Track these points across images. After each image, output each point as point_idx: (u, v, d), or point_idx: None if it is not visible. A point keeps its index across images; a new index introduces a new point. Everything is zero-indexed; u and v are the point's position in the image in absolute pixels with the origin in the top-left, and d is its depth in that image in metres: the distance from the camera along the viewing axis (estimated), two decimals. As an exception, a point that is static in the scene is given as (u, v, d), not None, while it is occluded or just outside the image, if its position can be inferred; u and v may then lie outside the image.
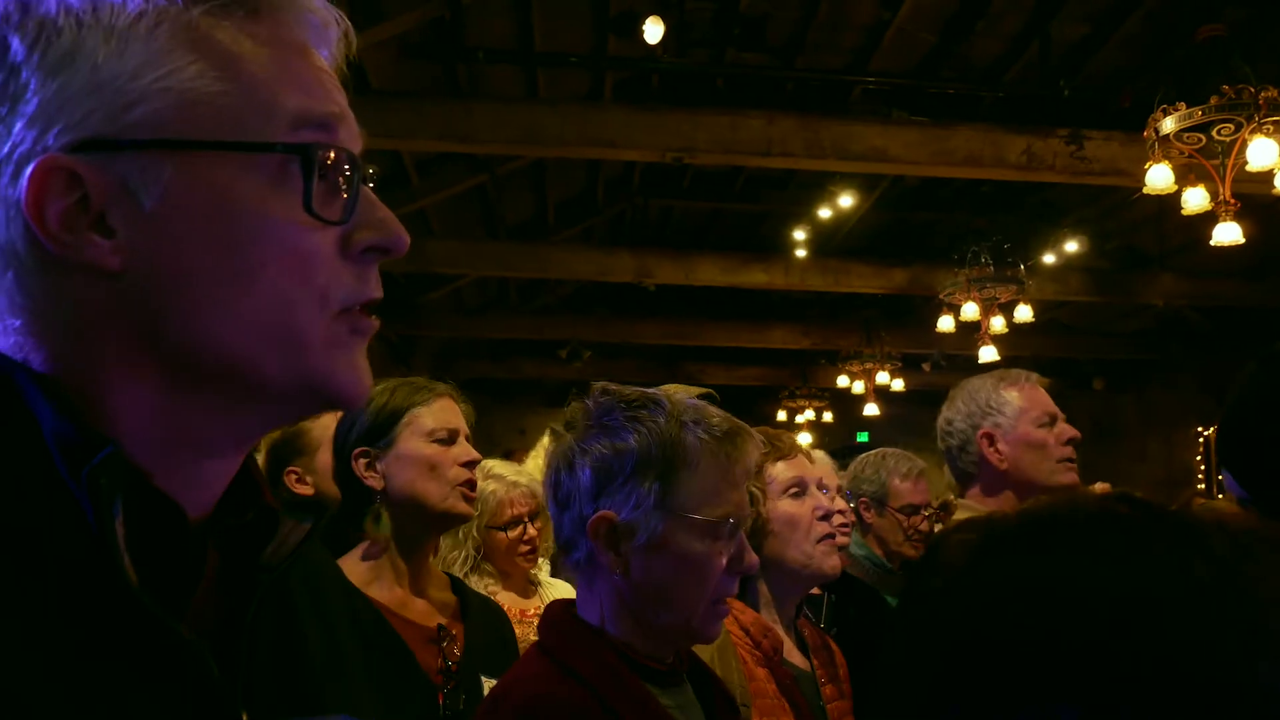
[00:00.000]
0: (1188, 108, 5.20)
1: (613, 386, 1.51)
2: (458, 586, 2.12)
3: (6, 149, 0.67)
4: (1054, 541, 0.63)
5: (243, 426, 0.76)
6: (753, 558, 1.50)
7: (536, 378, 15.32)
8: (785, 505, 2.09)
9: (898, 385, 12.25)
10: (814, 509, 2.11)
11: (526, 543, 2.77)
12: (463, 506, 2.02)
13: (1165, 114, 5.26)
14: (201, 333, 0.70)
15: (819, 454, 2.26)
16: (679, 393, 2.91)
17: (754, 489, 2.04)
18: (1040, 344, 12.97)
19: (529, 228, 11.13)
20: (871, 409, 12.59)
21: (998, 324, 8.92)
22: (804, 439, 14.90)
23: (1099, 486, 7.24)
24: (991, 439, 2.47)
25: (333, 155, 0.72)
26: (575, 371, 14.08)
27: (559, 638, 1.44)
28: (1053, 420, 2.51)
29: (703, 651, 1.85)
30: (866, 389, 12.36)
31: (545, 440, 3.55)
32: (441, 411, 2.05)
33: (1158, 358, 13.35)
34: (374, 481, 1.97)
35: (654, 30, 6.44)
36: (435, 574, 2.11)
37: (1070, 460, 2.51)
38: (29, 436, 0.66)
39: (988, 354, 8.84)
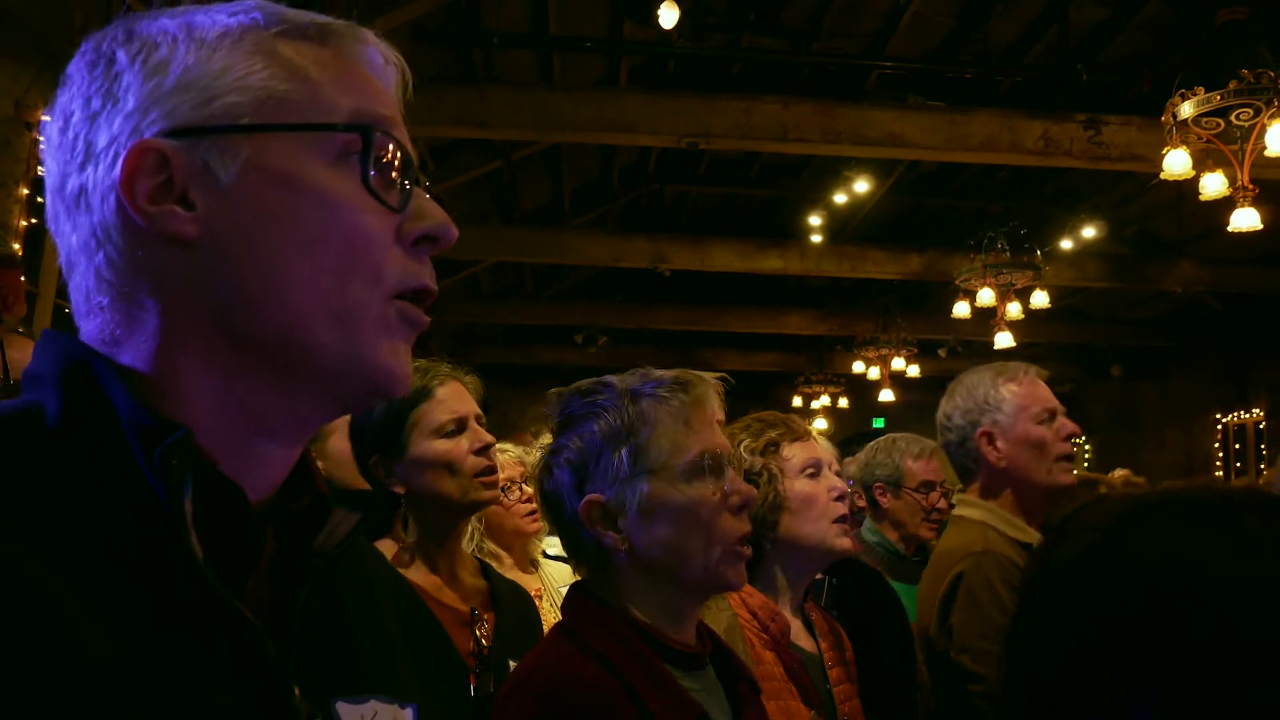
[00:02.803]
0: (1206, 92, 5.16)
1: (565, 388, 1.56)
2: (487, 572, 2.13)
3: (106, 141, 0.76)
4: (1184, 523, 0.72)
5: (297, 412, 0.80)
6: (746, 488, 1.53)
7: (552, 363, 15.36)
8: (801, 485, 2.10)
9: (913, 371, 12.24)
10: (829, 489, 2.12)
11: (526, 501, 2.76)
12: (485, 495, 2.02)
13: (1183, 99, 5.23)
14: (264, 298, 0.76)
15: (823, 441, 2.27)
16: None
17: (771, 468, 2.08)
18: (1057, 330, 12.93)
19: (544, 214, 11.14)
20: (887, 395, 12.57)
21: (1014, 310, 8.89)
22: (819, 425, 14.92)
23: (1118, 473, 7.16)
24: (990, 437, 2.43)
25: (389, 146, 0.80)
26: (591, 357, 14.12)
27: (582, 620, 1.46)
28: (1052, 416, 2.46)
29: None
30: (882, 375, 12.35)
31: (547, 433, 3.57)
32: (446, 400, 2.02)
33: (1177, 344, 13.27)
34: (396, 487, 1.98)
35: (669, 15, 6.42)
36: (467, 559, 2.12)
37: (1069, 458, 2.47)
38: (107, 421, 0.72)
39: (1003, 340, 8.83)
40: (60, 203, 0.78)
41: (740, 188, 11.31)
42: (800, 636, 2.10)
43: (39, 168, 4.55)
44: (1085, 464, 15.54)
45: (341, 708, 0.80)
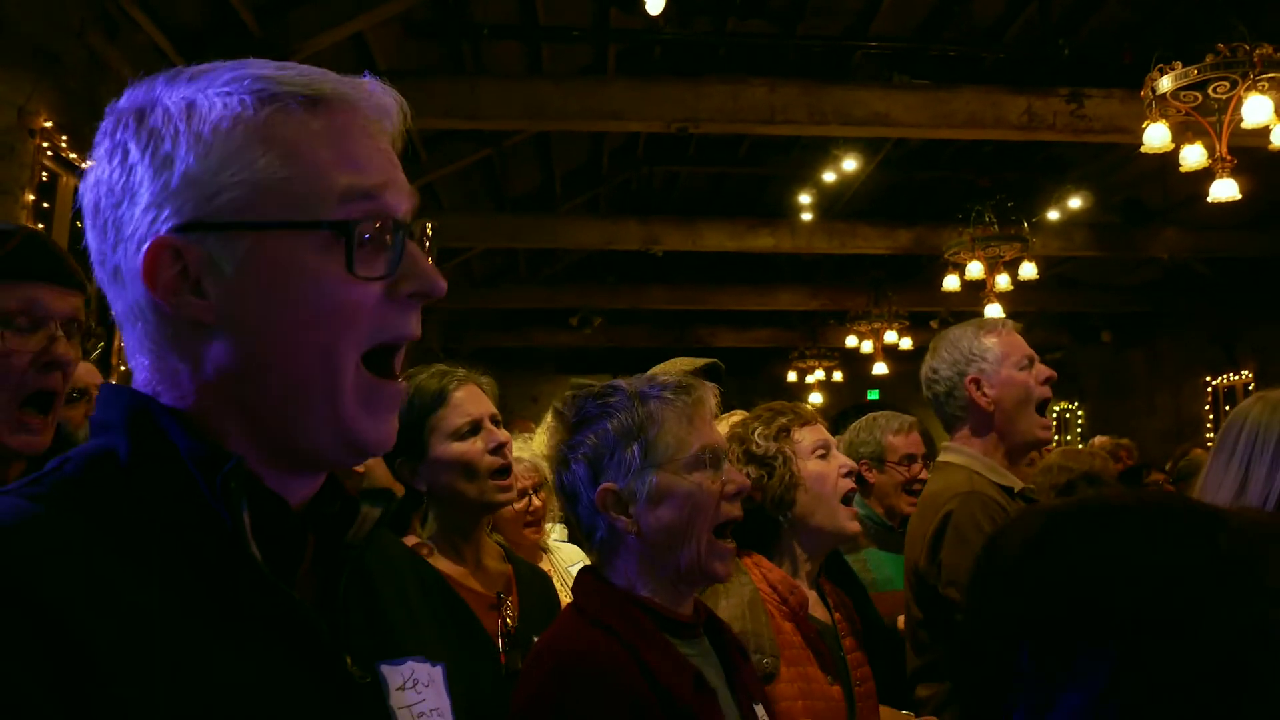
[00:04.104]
0: (1184, 66, 5.27)
1: (579, 388, 1.73)
2: (510, 557, 2.27)
3: (130, 230, 0.88)
4: (1105, 527, 0.85)
5: (302, 470, 0.94)
6: (741, 479, 1.71)
7: (548, 345, 15.46)
8: (814, 465, 2.29)
9: (906, 344, 12.36)
10: (839, 467, 2.31)
11: (531, 513, 2.91)
12: (501, 497, 2.16)
13: (1162, 73, 5.33)
14: (268, 375, 0.88)
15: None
16: (681, 363, 3.07)
17: (785, 450, 2.27)
18: (1048, 299, 13.04)
19: (536, 198, 11.23)
20: (881, 368, 12.70)
21: (1002, 281, 9.00)
22: (814, 399, 14.99)
23: (1098, 440, 7.27)
24: (978, 384, 2.64)
25: (376, 225, 0.89)
26: (586, 338, 14.23)
27: (592, 598, 1.63)
28: (1031, 362, 2.68)
29: (735, 607, 2.05)
30: (875, 348, 12.47)
31: (549, 418, 3.70)
32: (462, 404, 2.15)
33: (1166, 310, 13.41)
34: (419, 485, 2.13)
35: (655, 2, 6.49)
36: (490, 546, 2.27)
37: (1048, 399, 2.68)
38: (170, 456, 0.86)
39: (993, 311, 8.93)
40: (104, 275, 0.91)
41: (729, 167, 11.40)
42: (816, 608, 2.27)
43: (44, 174, 4.65)
44: (1078, 430, 15.72)
45: (385, 670, 0.94)
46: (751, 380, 16.93)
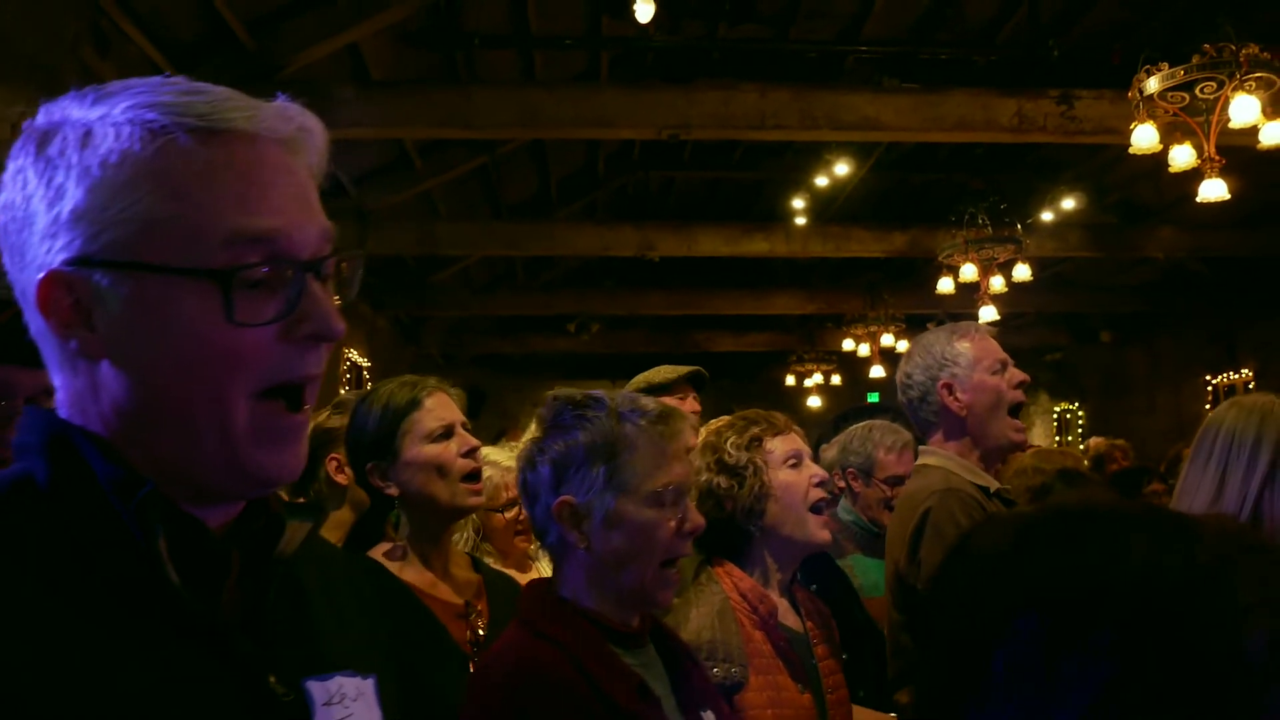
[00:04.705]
0: (1171, 67, 5.28)
1: (562, 392, 1.74)
2: (479, 566, 2.30)
3: (30, 256, 0.87)
4: (1082, 534, 0.82)
5: (214, 500, 0.93)
6: (698, 519, 1.71)
7: (546, 351, 15.49)
8: (785, 475, 2.29)
9: (902, 346, 12.35)
10: (810, 477, 2.31)
11: (521, 522, 2.93)
12: (472, 501, 2.19)
13: (1149, 74, 5.35)
14: (157, 412, 0.88)
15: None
16: (665, 371, 3.07)
17: (756, 461, 2.28)
18: (1045, 300, 13.06)
19: (533, 204, 11.26)
20: (878, 371, 12.70)
21: (997, 284, 9.01)
22: (813, 402, 14.93)
23: (1094, 441, 7.25)
24: (951, 388, 2.65)
25: (268, 268, 0.87)
26: (584, 344, 14.26)
27: (537, 610, 1.66)
28: (1004, 366, 2.70)
29: (705, 616, 2.07)
30: (871, 351, 12.48)
31: (532, 427, 3.74)
32: (435, 409, 2.19)
33: (1164, 309, 13.40)
34: (390, 490, 2.16)
35: (645, 9, 6.52)
36: (458, 555, 2.29)
37: (1021, 404, 2.70)
38: (87, 481, 0.87)
39: (988, 313, 8.95)
40: (17, 294, 0.91)
41: (724, 172, 11.42)
42: (788, 616, 2.29)
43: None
44: (1079, 430, 15.72)
45: (311, 686, 0.94)
46: (749, 385, 16.94)
